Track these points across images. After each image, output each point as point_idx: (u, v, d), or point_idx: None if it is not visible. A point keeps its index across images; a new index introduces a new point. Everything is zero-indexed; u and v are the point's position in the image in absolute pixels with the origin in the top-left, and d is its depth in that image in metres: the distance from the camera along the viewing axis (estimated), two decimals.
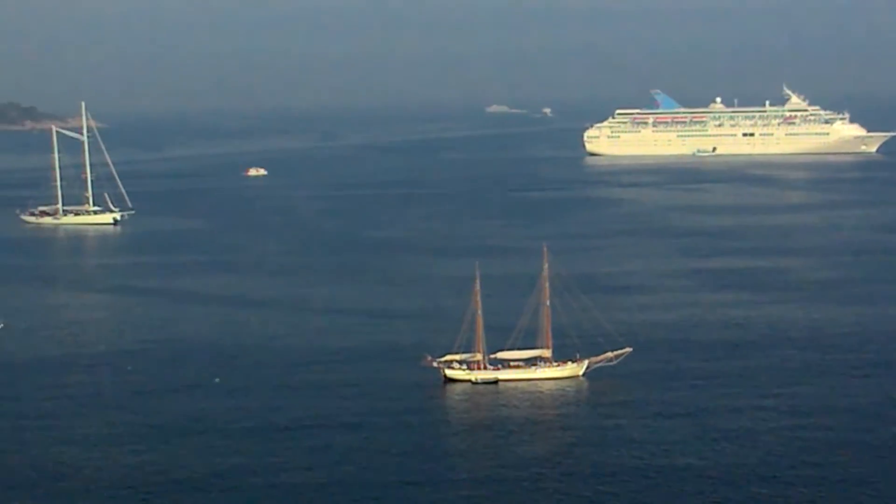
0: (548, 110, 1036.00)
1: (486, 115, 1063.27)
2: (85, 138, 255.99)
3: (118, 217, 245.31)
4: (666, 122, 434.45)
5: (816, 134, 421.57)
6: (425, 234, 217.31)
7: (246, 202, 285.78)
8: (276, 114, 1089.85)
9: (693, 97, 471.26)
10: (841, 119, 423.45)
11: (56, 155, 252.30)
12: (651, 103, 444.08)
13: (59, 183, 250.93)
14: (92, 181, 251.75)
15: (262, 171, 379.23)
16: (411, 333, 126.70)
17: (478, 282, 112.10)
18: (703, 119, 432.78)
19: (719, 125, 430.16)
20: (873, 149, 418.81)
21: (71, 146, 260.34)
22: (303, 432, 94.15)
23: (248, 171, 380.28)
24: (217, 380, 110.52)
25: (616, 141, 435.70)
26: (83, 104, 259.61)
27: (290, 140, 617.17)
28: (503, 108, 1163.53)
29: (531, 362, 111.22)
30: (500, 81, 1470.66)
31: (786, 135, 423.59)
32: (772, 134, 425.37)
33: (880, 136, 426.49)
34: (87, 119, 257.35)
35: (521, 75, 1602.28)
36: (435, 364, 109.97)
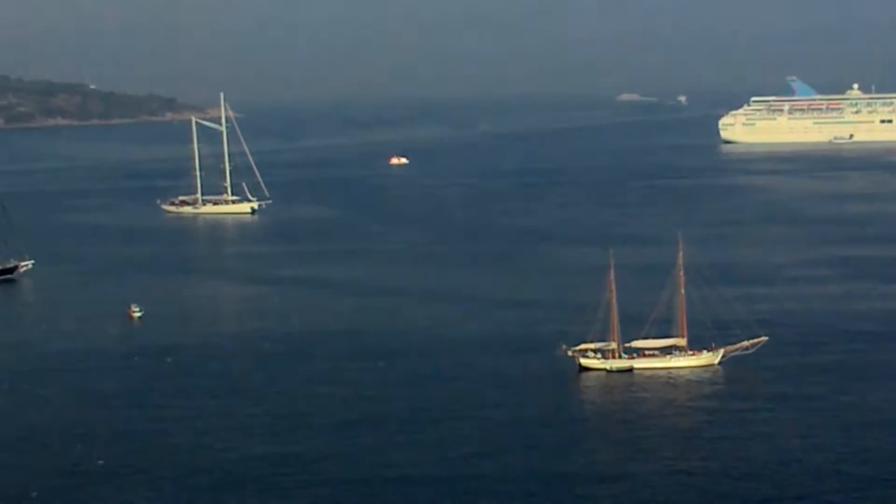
0: (683, 98, 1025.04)
1: (617, 103, 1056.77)
2: (224, 129, 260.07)
3: (256, 206, 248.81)
4: (802, 110, 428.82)
5: None
6: (559, 223, 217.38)
7: (383, 191, 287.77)
8: (410, 103, 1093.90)
9: (830, 83, 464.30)
10: None
11: (196, 145, 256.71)
12: (787, 90, 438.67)
13: (198, 173, 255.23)
14: (230, 171, 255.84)
15: (404, 160, 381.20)
16: (546, 322, 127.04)
17: (612, 271, 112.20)
18: (840, 106, 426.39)
19: (856, 112, 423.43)
20: None
21: (210, 137, 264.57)
22: (438, 423, 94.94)
23: (391, 159, 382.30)
24: (381, 363, 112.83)
25: (751, 129, 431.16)
26: (222, 95, 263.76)
27: (425, 129, 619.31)
28: (634, 97, 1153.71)
29: (666, 351, 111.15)
30: (631, 69, 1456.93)
31: None
32: None
33: None
34: (225, 110, 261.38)
35: (653, 63, 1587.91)
36: (570, 353, 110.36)
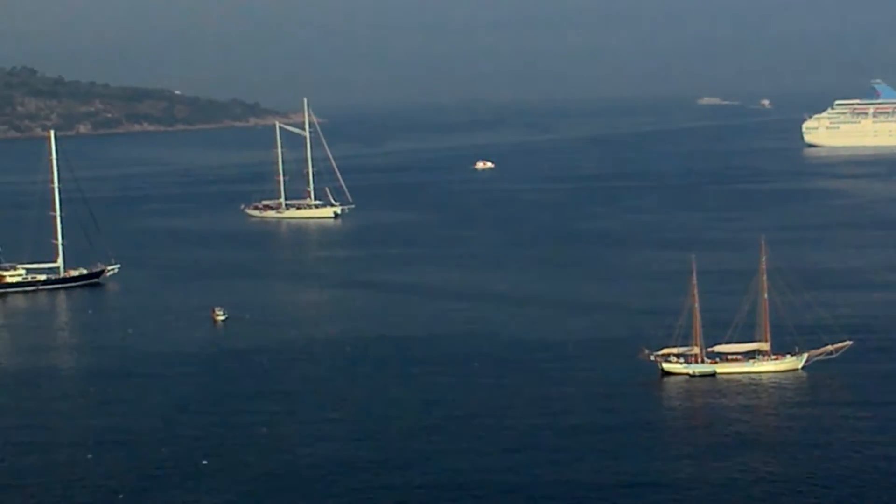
0: (766, 101, 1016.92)
1: (697, 107, 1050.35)
2: (307, 134, 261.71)
3: (338, 211, 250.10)
4: (887, 113, 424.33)
5: None
6: (640, 227, 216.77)
7: (465, 195, 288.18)
8: (492, 107, 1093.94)
9: None
10: None
11: (279, 150, 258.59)
12: (871, 93, 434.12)
13: (281, 178, 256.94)
14: (313, 176, 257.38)
15: (490, 164, 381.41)
16: (627, 327, 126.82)
17: (694, 275, 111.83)
18: None
19: None
20: None
21: (293, 141, 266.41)
22: (517, 428, 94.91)
23: (476, 164, 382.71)
24: (476, 363, 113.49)
25: (835, 132, 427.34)
26: (305, 100, 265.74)
27: (507, 134, 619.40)
28: (715, 100, 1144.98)
29: (749, 355, 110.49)
30: (711, 73, 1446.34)
31: None
32: None
33: None
34: (308, 115, 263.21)
35: (734, 66, 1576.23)
36: (652, 357, 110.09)
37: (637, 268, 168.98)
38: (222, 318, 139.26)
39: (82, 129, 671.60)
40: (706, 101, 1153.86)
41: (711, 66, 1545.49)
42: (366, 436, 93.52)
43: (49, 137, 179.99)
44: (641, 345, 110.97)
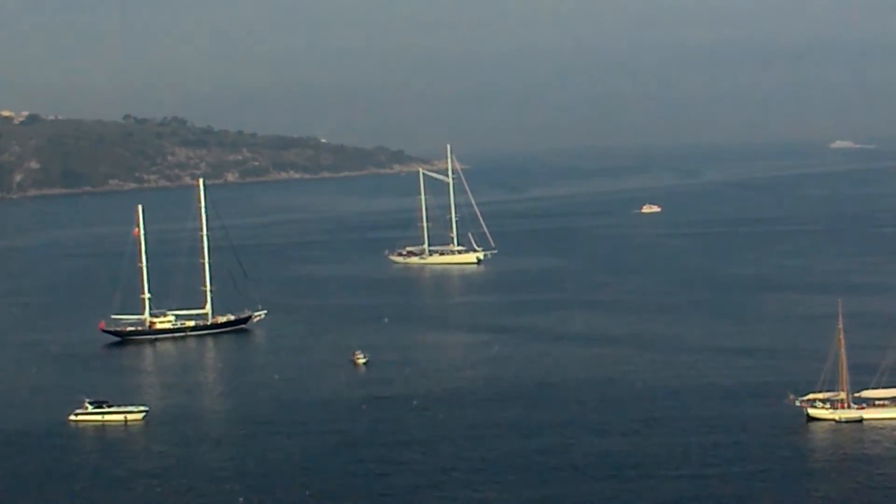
0: None
1: (829, 151, 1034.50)
2: (450, 180, 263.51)
3: (481, 256, 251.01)
4: None
5: None
6: (786, 271, 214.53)
7: (609, 241, 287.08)
8: (632, 151, 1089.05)
9: None
10: None
11: (423, 197, 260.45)
12: None
13: (425, 224, 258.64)
14: (456, 221, 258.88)
15: (656, 208, 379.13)
16: (771, 371, 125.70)
17: (840, 319, 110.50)
18: None
19: None
20: None
21: (436, 188, 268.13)
22: (656, 475, 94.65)
23: (642, 207, 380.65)
24: (599, 411, 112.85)
25: None
26: (448, 147, 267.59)
27: (653, 179, 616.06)
28: (847, 144, 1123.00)
29: None
30: (843, 117, 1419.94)
31: None
32: None
33: None
34: (452, 161, 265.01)
35: (865, 110, 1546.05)
36: (798, 403, 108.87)
37: (783, 312, 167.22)
38: (363, 361, 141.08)
39: (230, 177, 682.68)
40: (839, 144, 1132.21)
41: (841, 109, 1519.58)
42: (496, 480, 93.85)
43: (198, 186, 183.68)
44: (787, 390, 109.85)
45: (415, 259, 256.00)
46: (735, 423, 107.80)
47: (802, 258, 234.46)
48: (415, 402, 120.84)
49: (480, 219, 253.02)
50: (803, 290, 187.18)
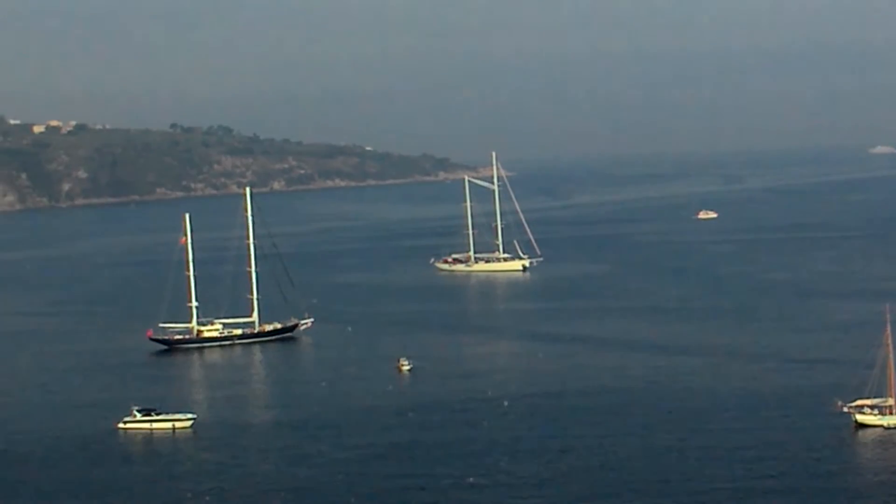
0: None
1: (869, 156, 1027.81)
2: (495, 187, 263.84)
3: (527, 264, 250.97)
4: None
5: None
6: (833, 277, 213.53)
7: (654, 247, 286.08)
8: (676, 158, 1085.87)
9: None
10: None
11: (468, 204, 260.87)
12: None
13: (471, 231, 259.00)
14: (502, 229, 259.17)
15: (713, 214, 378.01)
16: (819, 378, 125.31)
17: (888, 325, 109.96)
18: None
19: None
20: None
21: (482, 195, 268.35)
22: (699, 486, 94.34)
23: (699, 213, 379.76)
24: (643, 421, 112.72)
25: None
26: (494, 154, 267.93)
27: (696, 184, 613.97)
28: (889, 149, 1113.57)
29: None
30: (880, 121, 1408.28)
31: None
32: None
33: None
34: (497, 168, 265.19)
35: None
36: (846, 409, 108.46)
37: (830, 318, 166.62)
38: (407, 367, 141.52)
39: (276, 185, 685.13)
40: (879, 149, 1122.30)
41: (880, 114, 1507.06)
42: (540, 493, 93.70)
43: (245, 194, 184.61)
44: (835, 397, 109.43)
45: (460, 266, 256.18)
46: (783, 430, 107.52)
47: (847, 264, 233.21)
48: (457, 409, 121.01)
49: (525, 226, 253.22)
50: (851, 296, 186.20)
